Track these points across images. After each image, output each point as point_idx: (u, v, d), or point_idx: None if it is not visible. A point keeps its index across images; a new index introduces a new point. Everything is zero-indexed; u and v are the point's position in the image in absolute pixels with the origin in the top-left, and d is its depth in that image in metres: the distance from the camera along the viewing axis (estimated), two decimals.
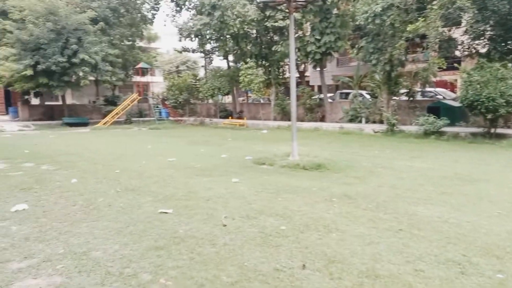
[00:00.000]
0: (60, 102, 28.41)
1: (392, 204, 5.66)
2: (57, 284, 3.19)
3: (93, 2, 25.38)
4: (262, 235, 4.32)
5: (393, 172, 8.28)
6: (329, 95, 25.63)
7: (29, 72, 21.55)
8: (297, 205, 5.61)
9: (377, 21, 15.87)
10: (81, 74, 23.13)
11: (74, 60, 22.05)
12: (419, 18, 14.79)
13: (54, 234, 4.41)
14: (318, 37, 20.54)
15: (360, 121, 20.65)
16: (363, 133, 17.86)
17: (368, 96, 22.42)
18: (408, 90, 19.10)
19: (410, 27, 14.73)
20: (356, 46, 20.11)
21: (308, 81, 31.80)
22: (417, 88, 19.70)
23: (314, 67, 26.41)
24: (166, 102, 31.54)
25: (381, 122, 19.11)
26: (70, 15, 22.60)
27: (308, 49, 20.98)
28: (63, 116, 26.34)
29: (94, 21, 24.01)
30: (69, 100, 30.39)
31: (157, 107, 28.80)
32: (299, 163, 8.91)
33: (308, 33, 22.09)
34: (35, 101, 29.98)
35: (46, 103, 30.04)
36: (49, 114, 27.87)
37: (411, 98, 19.28)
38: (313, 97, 24.39)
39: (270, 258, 3.69)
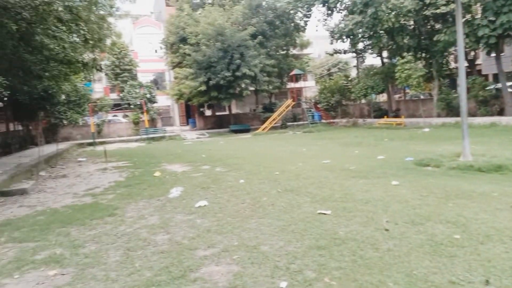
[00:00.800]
0: (227, 112, 32.21)
1: None
2: (234, 272, 3.63)
3: (252, 19, 27.91)
4: (431, 243, 3.95)
5: None
6: (508, 84, 21.55)
7: (203, 87, 25.21)
8: (473, 212, 4.91)
9: None
10: (243, 86, 25.71)
11: (237, 73, 24.67)
12: None
13: (229, 228, 5.03)
14: (492, 18, 17.57)
15: None
16: None
17: None
18: None
19: None
20: None
21: (479, 70, 27.54)
22: None
23: (488, 53, 22.62)
24: (318, 105, 32.09)
25: None
26: (234, 33, 25.42)
27: (480, 33, 18.15)
28: (229, 124, 29.79)
29: (253, 36, 26.39)
30: (234, 110, 34.14)
31: (310, 110, 29.57)
32: (473, 164, 7.79)
33: (478, 15, 19.11)
34: (208, 112, 34.78)
35: (217, 113, 34.47)
36: (219, 123, 31.91)
37: None
38: (487, 88, 20.97)
39: (443, 269, 3.35)
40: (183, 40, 28.35)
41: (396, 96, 33.57)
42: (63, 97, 22.66)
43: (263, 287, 3.27)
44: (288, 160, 11.24)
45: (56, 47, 11.92)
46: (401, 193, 6.21)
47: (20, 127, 22.54)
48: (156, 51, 36.56)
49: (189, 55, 26.07)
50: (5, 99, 17.74)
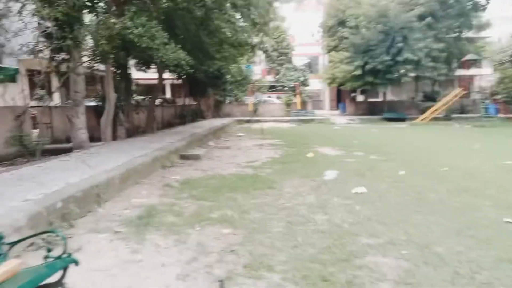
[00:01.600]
0: (380, 99, 30.39)
1: None
2: (405, 268, 3.32)
3: None
4: None
5: None
6: None
7: (358, 72, 24.26)
8: None
9: None
10: (402, 71, 23.68)
11: (398, 58, 22.81)
12: None
13: (392, 220, 4.66)
14: None
15: None
16: None
17: None
18: None
19: None
20: None
21: None
22: None
23: None
24: (495, 97, 27.26)
25: None
26: (399, 14, 23.44)
27: None
28: (382, 111, 28.02)
29: (420, 17, 23.85)
30: (388, 97, 31.96)
31: (484, 102, 25.36)
32: None
33: None
34: (359, 98, 33.51)
35: (369, 99, 32.91)
36: (371, 110, 30.38)
37: None
38: None
39: None
40: (342, 23, 27.70)
41: None
42: (229, 77, 25.09)
43: None
44: (457, 156, 9.88)
45: (229, 31, 13.13)
46: None
47: (192, 102, 26.04)
48: (313, 34, 36.79)
49: (346, 38, 25.35)
50: (184, 76, 20.68)
